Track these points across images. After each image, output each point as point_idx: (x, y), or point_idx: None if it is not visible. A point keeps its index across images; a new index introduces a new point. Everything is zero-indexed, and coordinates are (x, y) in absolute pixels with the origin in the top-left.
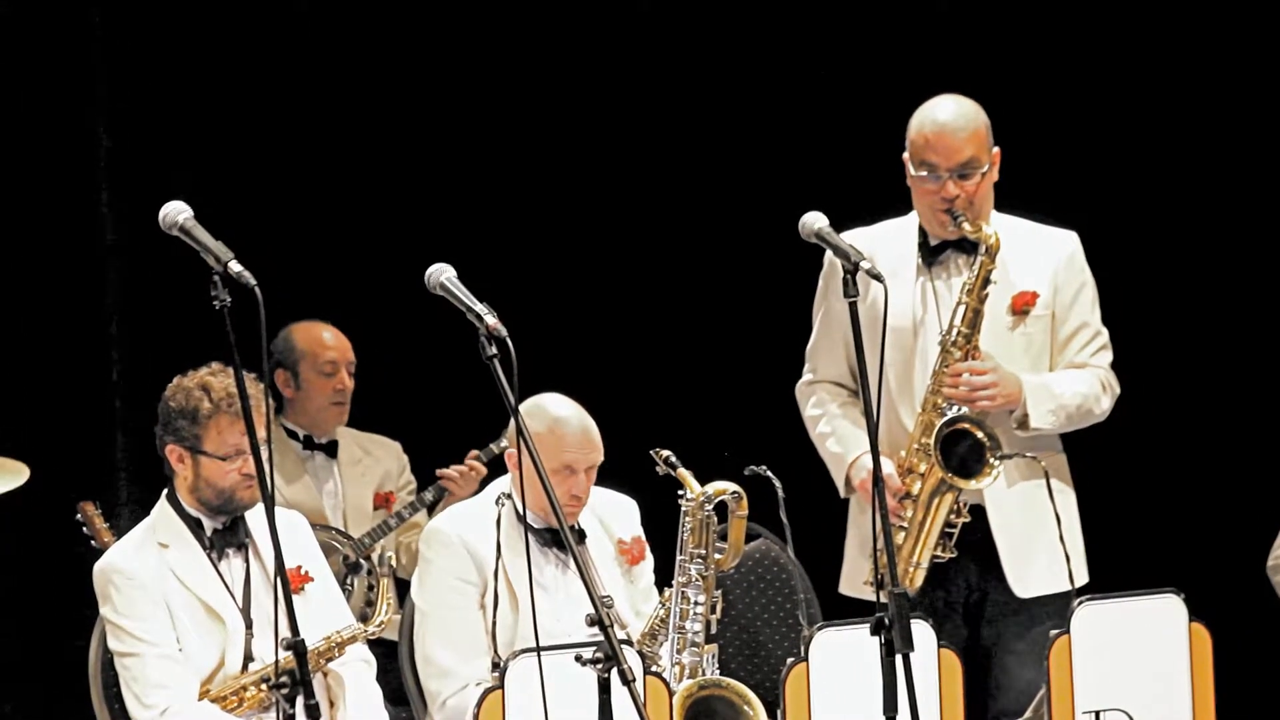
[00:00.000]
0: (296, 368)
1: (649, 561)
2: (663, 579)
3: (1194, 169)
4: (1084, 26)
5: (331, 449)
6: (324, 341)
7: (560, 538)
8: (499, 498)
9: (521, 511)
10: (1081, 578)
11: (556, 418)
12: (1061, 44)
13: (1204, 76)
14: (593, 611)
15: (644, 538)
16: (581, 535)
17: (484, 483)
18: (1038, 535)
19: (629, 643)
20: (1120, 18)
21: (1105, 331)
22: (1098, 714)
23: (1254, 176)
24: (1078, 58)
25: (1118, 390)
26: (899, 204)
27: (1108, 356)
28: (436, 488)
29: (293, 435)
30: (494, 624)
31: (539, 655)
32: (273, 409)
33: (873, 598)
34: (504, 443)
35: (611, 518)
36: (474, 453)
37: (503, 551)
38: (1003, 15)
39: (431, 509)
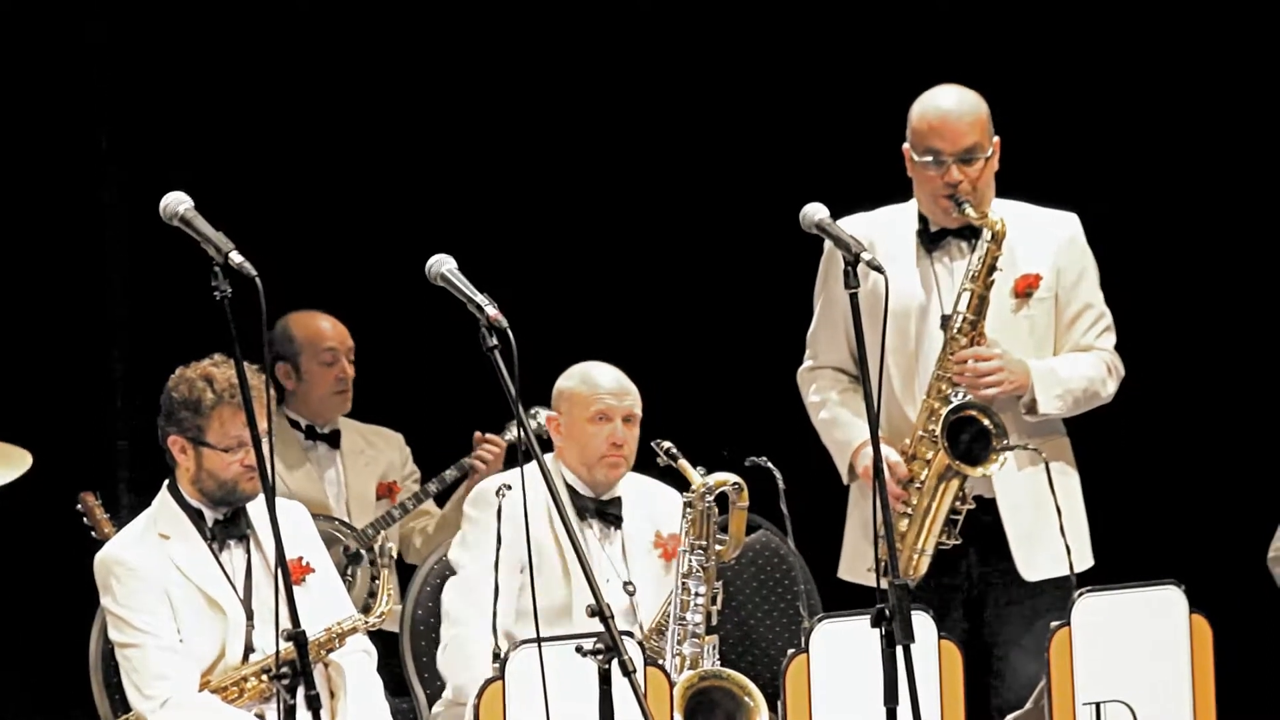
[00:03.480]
0: (297, 359)
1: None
2: None
3: (1194, 155)
4: (1079, 14)
5: (334, 439)
6: (322, 332)
7: (601, 510)
8: (499, 489)
9: (550, 483)
10: (1086, 562)
11: (588, 369)
12: (1057, 33)
13: (1202, 64)
14: (629, 582)
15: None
16: (618, 520)
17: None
18: (1045, 522)
19: (629, 633)
20: (1116, 4)
21: (1109, 313)
22: (1098, 705)
23: (1256, 162)
24: (1074, 47)
25: (1122, 372)
26: (898, 195)
27: (1112, 338)
28: (460, 465)
29: (295, 425)
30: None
31: (539, 646)
32: (274, 399)
33: (872, 584)
34: (540, 416)
35: (657, 508)
36: (479, 435)
37: (554, 523)
38: (999, 5)
39: (452, 488)
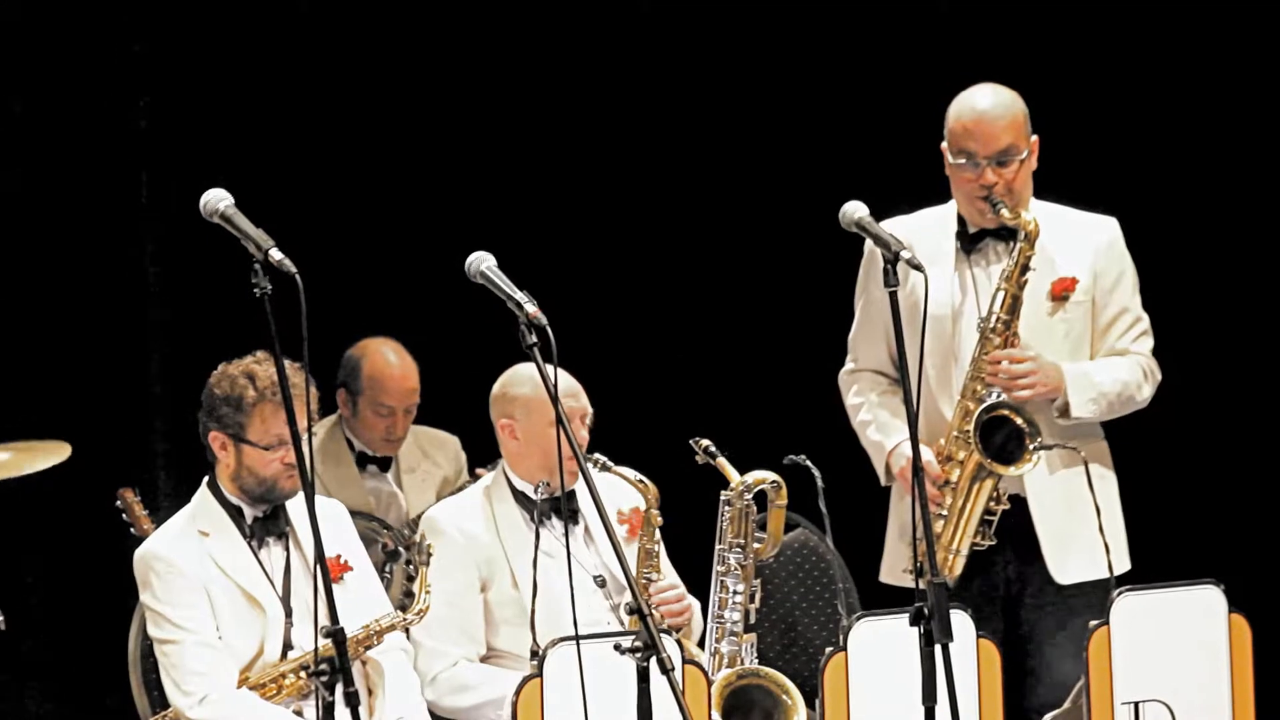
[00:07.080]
0: (356, 397)
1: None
2: (701, 569)
3: (1233, 153)
4: (1120, 12)
5: (385, 463)
6: (386, 386)
7: (558, 508)
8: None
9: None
10: (1123, 565)
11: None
12: (1097, 31)
13: (1245, 67)
14: (600, 574)
15: (643, 509)
16: (575, 515)
17: None
18: (1079, 524)
19: (667, 632)
20: (1160, 4)
21: (1146, 317)
22: (1137, 705)
23: None
24: (1114, 45)
25: (1159, 377)
26: (937, 194)
27: (1149, 343)
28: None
29: (350, 445)
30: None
31: (578, 644)
32: (318, 402)
33: (912, 586)
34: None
35: (610, 488)
36: None
37: (502, 535)
38: (1042, 2)
39: None
